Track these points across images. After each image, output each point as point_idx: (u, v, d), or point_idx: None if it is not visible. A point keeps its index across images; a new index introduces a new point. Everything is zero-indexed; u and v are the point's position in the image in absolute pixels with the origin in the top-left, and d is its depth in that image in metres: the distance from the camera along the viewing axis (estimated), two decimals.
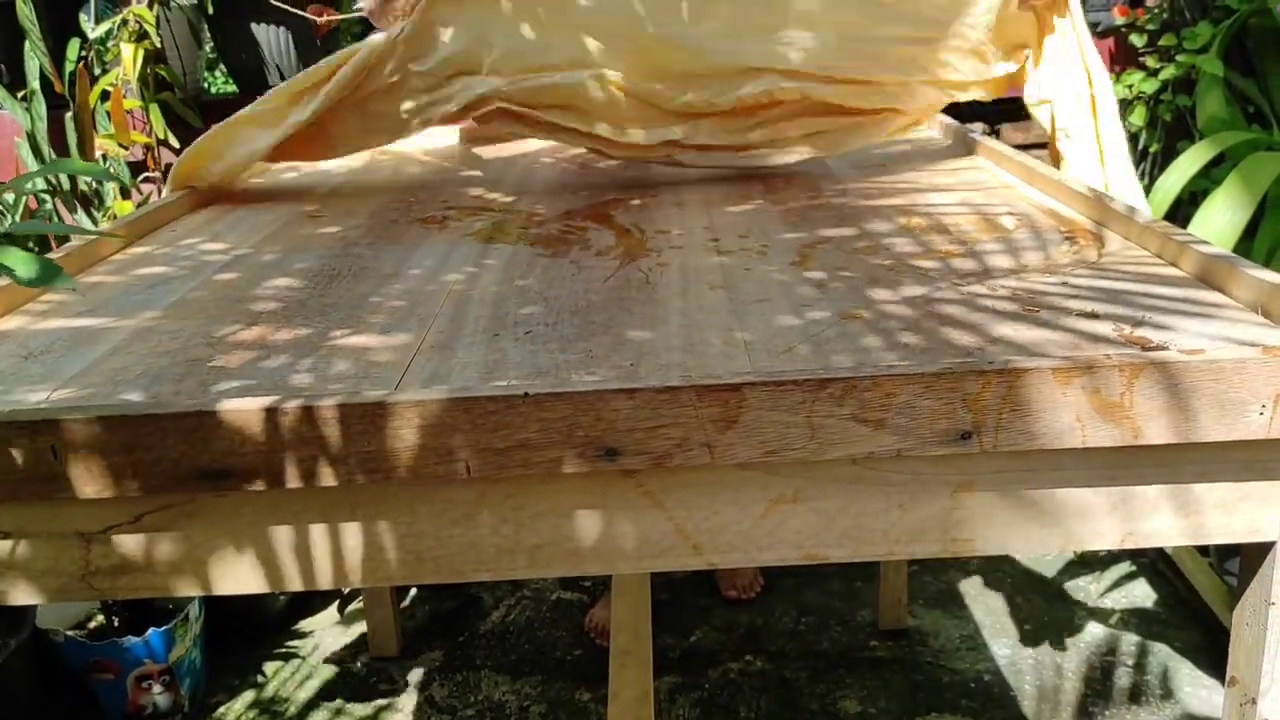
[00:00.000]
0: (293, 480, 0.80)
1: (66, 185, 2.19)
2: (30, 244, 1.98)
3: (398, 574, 0.85)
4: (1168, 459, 0.84)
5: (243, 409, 0.79)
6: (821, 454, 0.81)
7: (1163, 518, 0.85)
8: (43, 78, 2.09)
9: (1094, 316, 0.95)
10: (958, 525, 0.84)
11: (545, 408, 0.80)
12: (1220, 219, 2.00)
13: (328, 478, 0.80)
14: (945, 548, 0.85)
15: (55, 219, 2.19)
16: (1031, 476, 0.83)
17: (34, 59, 2.06)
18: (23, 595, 0.86)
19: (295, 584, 0.85)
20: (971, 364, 0.80)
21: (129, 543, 0.84)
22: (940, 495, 0.84)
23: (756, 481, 0.83)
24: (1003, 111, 2.48)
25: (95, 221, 2.19)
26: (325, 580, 0.85)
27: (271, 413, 0.79)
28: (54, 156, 2.14)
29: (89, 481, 0.80)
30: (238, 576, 0.85)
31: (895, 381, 0.79)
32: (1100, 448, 0.82)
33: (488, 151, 2.01)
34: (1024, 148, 1.90)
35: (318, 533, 0.84)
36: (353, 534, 0.84)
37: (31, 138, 2.11)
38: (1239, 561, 0.92)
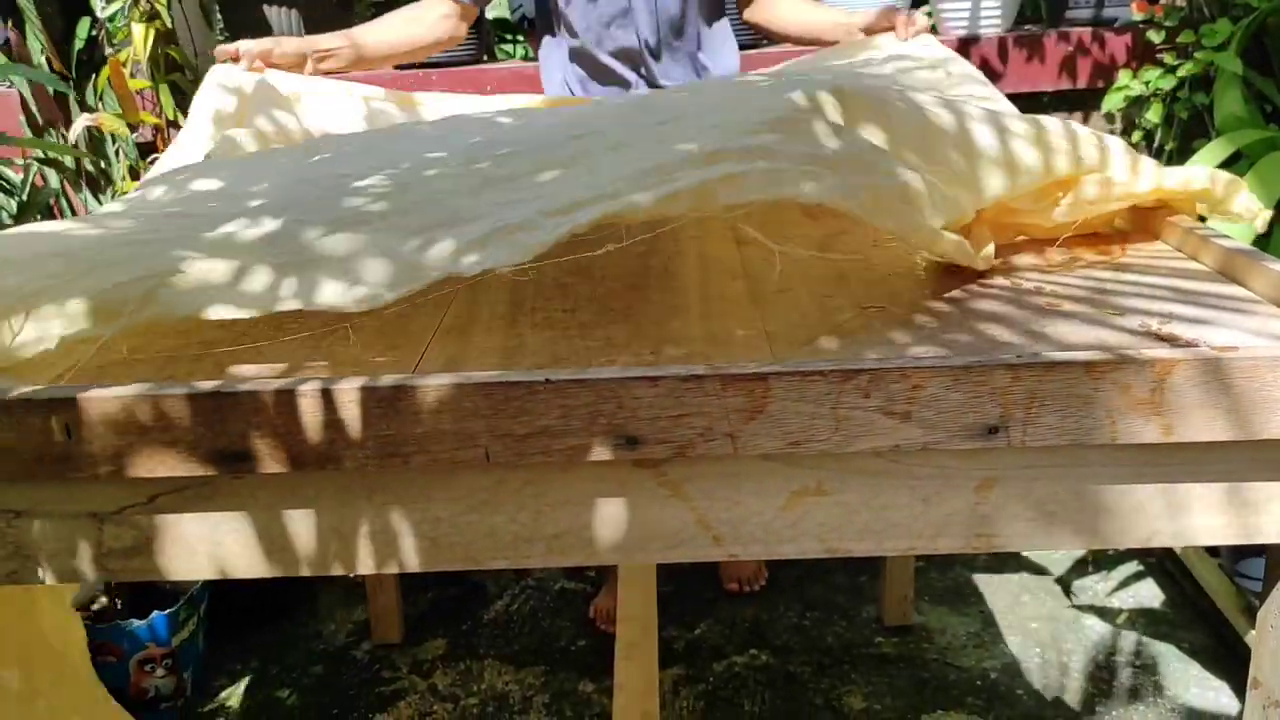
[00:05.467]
0: (309, 464, 0.79)
1: (71, 164, 2.17)
2: (37, 214, 1.97)
3: (413, 560, 0.84)
4: (1196, 457, 0.82)
5: (260, 390, 0.78)
6: (846, 446, 0.80)
7: (1190, 517, 0.84)
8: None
9: (1120, 313, 0.94)
10: (982, 521, 0.83)
11: (567, 394, 0.78)
12: None
13: (345, 461, 0.79)
14: (969, 543, 0.84)
15: (62, 198, 2.18)
16: (1059, 472, 0.82)
17: (35, 37, 2.04)
18: (34, 576, 0.84)
19: (309, 569, 0.84)
20: (1001, 357, 0.79)
21: (143, 524, 0.83)
22: (966, 490, 0.82)
23: (779, 473, 0.82)
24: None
25: (101, 203, 2.17)
26: (340, 565, 0.84)
27: (288, 395, 0.78)
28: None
29: (103, 461, 0.79)
30: (252, 560, 0.84)
31: (923, 374, 0.78)
32: (1129, 444, 0.80)
33: None
34: None
35: (334, 517, 0.83)
36: (369, 519, 0.83)
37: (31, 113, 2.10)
38: (1263, 563, 0.91)
